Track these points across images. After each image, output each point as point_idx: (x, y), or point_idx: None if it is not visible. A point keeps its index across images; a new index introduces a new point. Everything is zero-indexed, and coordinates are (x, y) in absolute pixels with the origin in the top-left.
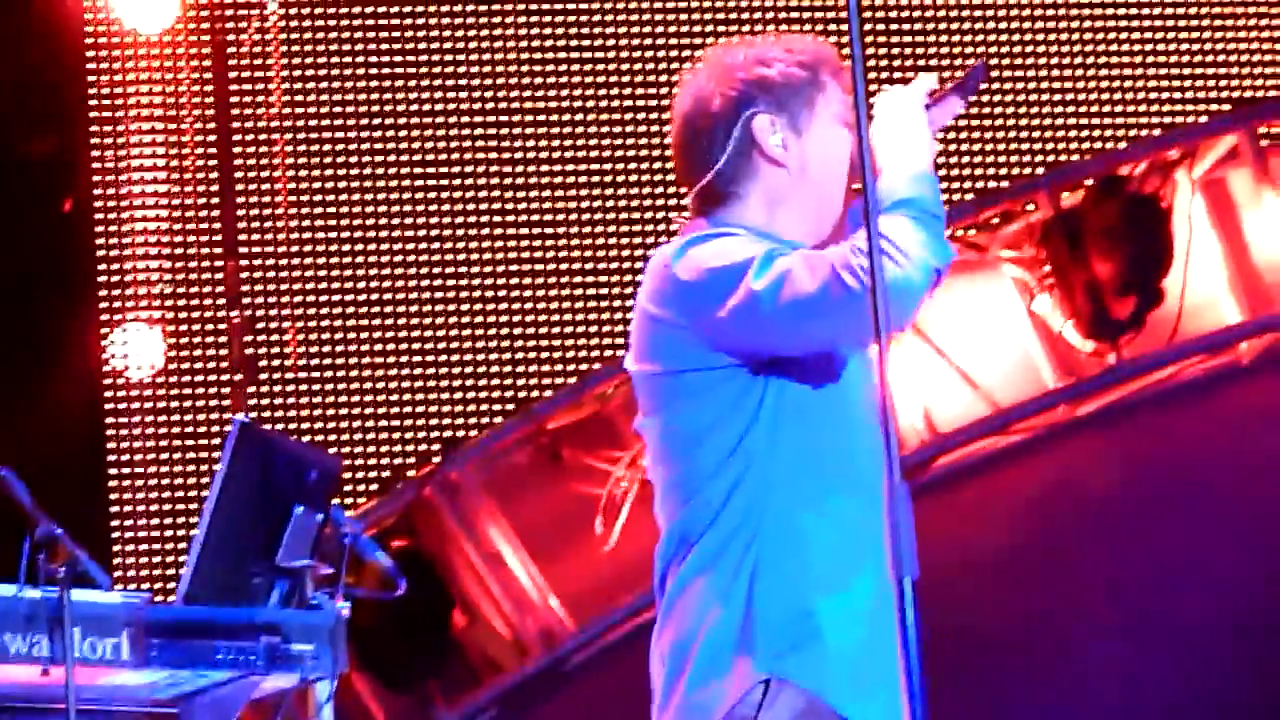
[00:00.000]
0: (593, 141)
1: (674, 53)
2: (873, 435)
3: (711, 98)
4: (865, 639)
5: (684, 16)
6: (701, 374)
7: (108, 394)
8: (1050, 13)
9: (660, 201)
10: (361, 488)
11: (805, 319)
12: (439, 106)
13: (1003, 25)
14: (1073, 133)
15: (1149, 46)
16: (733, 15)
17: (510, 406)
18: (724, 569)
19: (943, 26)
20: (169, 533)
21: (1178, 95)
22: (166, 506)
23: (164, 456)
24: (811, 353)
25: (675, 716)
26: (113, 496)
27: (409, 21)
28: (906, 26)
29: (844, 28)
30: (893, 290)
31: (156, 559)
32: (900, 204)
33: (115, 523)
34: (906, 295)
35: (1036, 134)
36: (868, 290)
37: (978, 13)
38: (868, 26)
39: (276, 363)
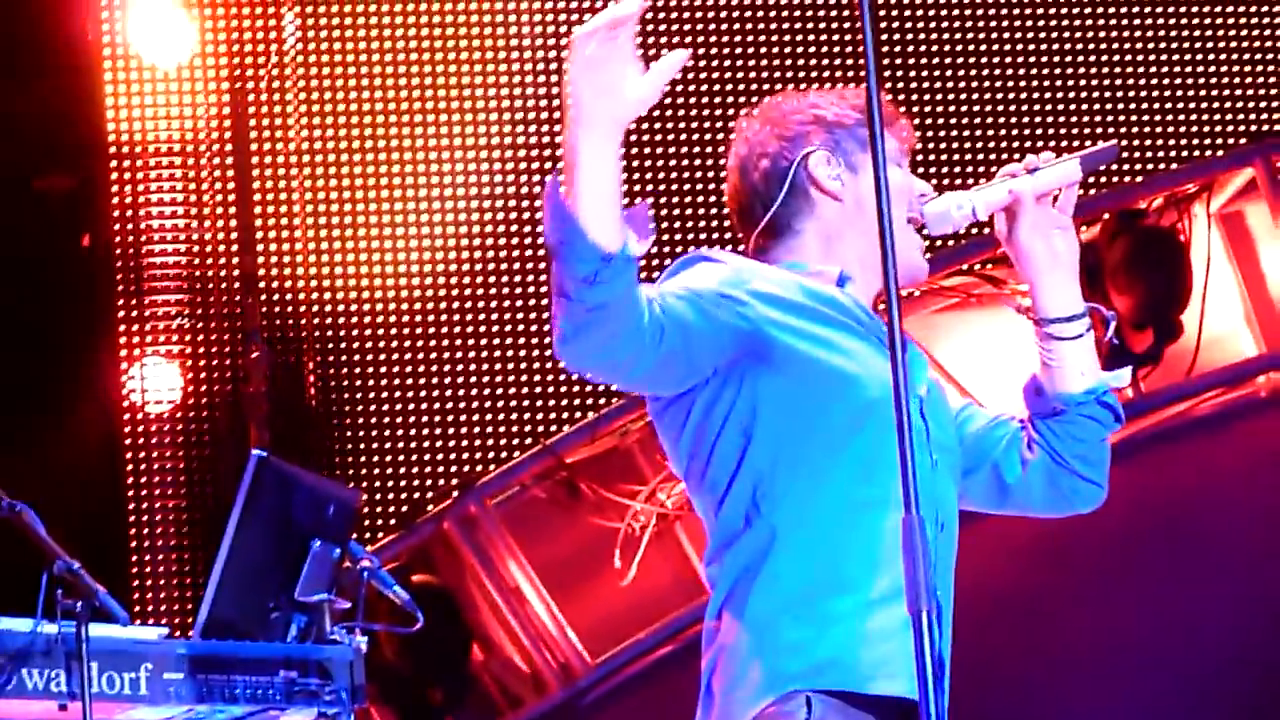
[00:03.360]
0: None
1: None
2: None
3: (767, 141)
4: (884, 630)
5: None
6: (680, 398)
7: (126, 429)
8: (1068, 47)
9: (680, 237)
10: (380, 522)
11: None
12: (458, 141)
13: (1019, 60)
14: None
15: (1166, 80)
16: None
17: (529, 441)
18: (742, 587)
19: (945, 53)
20: (187, 567)
21: (1195, 129)
22: (185, 541)
23: (182, 491)
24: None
25: None
26: (131, 531)
27: (427, 53)
28: (898, 35)
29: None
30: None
31: (175, 593)
32: None
33: (134, 557)
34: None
35: None
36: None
37: (981, 46)
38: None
39: (296, 398)
